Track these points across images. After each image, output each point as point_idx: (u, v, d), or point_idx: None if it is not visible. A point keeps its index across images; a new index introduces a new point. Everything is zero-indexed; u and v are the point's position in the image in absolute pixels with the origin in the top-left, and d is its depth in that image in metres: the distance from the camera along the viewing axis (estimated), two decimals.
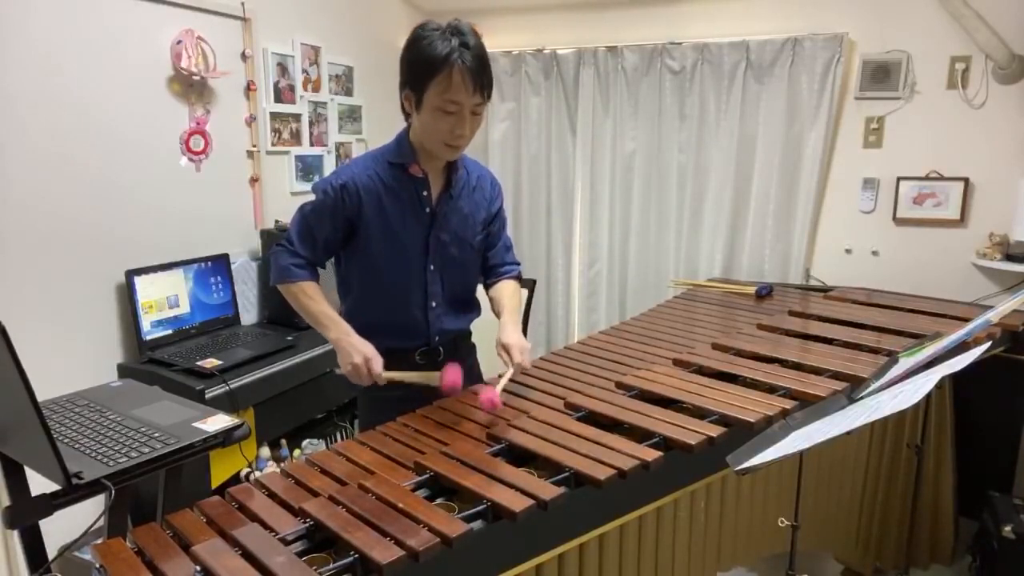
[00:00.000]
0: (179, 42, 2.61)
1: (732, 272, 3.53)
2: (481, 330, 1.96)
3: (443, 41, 1.53)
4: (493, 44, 3.94)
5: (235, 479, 2.55)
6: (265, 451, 2.80)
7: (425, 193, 1.71)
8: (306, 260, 1.71)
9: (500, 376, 1.67)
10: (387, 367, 1.65)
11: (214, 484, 2.42)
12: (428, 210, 1.72)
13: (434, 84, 1.54)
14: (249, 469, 2.65)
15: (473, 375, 1.92)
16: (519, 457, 1.41)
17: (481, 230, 1.83)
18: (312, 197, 1.72)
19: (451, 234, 1.76)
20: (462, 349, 1.91)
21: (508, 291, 1.85)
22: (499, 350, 1.70)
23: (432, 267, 1.75)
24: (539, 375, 1.88)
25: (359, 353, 1.61)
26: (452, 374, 1.65)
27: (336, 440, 3.24)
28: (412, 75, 1.58)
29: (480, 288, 1.93)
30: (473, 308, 1.92)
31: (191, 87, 2.72)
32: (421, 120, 1.61)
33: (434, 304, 1.77)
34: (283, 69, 3.13)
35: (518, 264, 1.95)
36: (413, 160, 1.69)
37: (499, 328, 1.73)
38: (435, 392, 1.69)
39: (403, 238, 1.70)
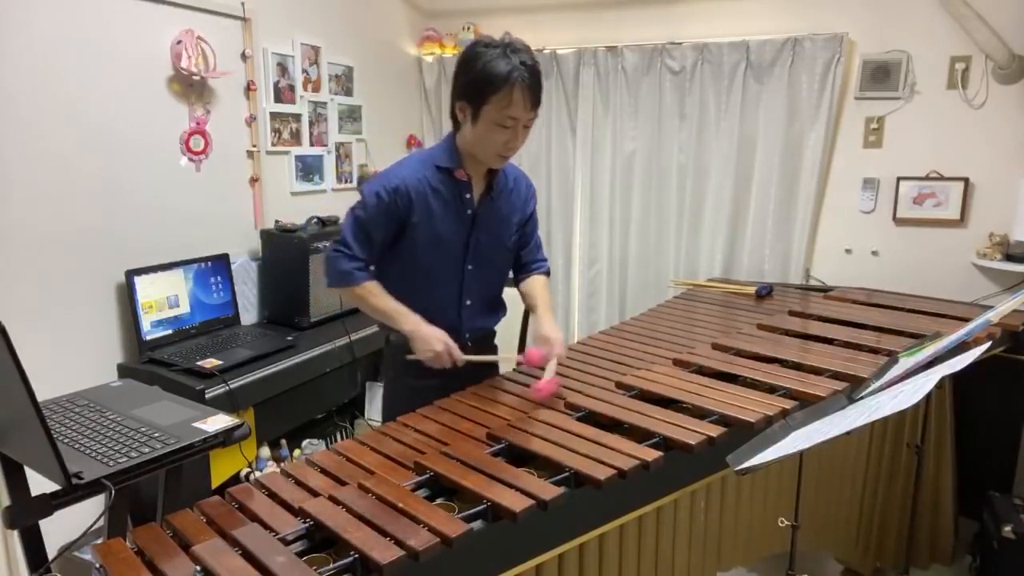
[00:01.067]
0: (179, 42, 2.61)
1: (732, 272, 3.53)
2: (502, 329, 2.03)
3: (504, 60, 1.61)
4: None
5: (235, 479, 2.55)
6: (265, 451, 2.80)
7: (468, 196, 1.79)
8: (365, 262, 1.77)
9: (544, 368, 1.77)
10: None
11: (214, 484, 2.42)
12: (470, 212, 1.80)
13: (494, 100, 1.62)
14: (249, 469, 2.65)
15: (494, 372, 1.99)
16: (519, 457, 1.41)
17: (516, 231, 1.92)
18: (362, 199, 1.77)
19: (489, 235, 1.84)
20: (487, 347, 1.97)
21: (540, 286, 1.95)
22: (539, 342, 1.80)
23: (470, 266, 1.83)
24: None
25: (439, 340, 1.69)
26: (535, 353, 1.75)
27: (336, 440, 3.24)
28: (471, 90, 1.65)
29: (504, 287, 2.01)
30: (501, 308, 2.00)
31: (191, 87, 2.72)
32: (476, 131, 1.68)
33: (468, 302, 1.86)
34: (283, 69, 3.13)
35: (547, 260, 2.04)
36: (459, 165, 1.77)
37: (537, 321, 1.86)
38: (473, 380, 1.81)
39: (446, 238, 1.78)
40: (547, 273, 2.01)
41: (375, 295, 1.75)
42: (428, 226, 1.75)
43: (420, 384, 1.77)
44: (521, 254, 1.98)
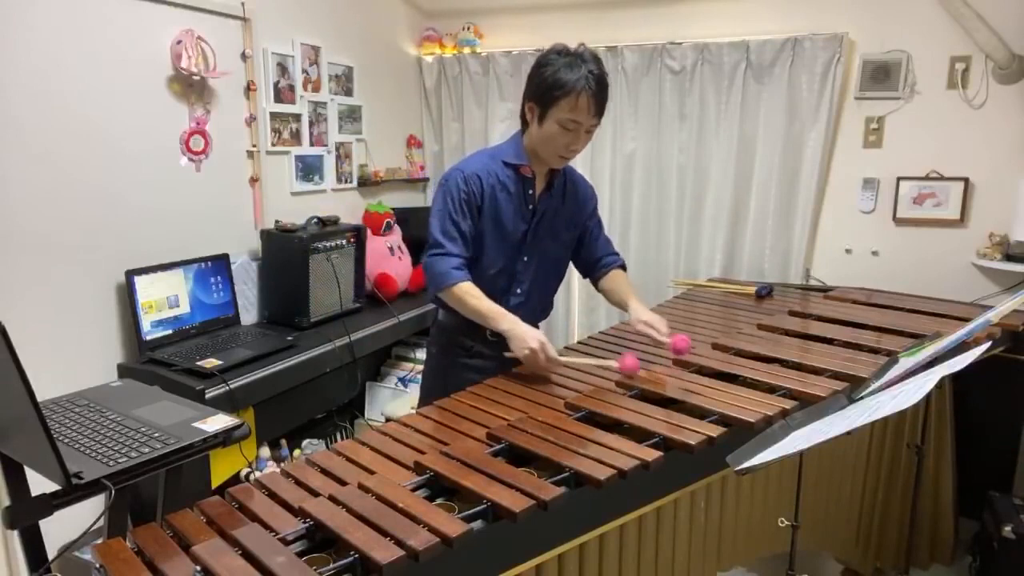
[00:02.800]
0: (179, 42, 2.61)
1: (732, 272, 3.53)
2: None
3: (574, 68, 1.74)
4: (493, 44, 3.94)
5: (235, 479, 2.55)
6: (265, 451, 2.80)
7: (530, 191, 1.92)
8: (460, 257, 1.85)
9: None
10: (465, 337, 1.92)
11: (214, 484, 2.42)
12: (531, 207, 1.93)
13: (561, 104, 1.75)
14: (249, 469, 2.65)
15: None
16: (519, 457, 1.41)
17: (574, 232, 2.05)
18: (441, 194, 1.88)
19: (547, 231, 1.97)
20: None
21: (623, 279, 2.09)
22: (643, 327, 1.91)
23: (526, 258, 1.95)
24: (540, 375, 1.88)
25: (535, 340, 1.76)
26: (631, 360, 1.78)
27: (336, 440, 3.24)
28: (541, 92, 1.78)
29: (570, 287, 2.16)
30: (548, 310, 2.11)
31: (191, 87, 2.72)
32: (542, 132, 1.81)
33: (519, 291, 1.97)
34: (283, 69, 3.13)
35: (620, 256, 2.14)
36: (526, 162, 1.90)
37: (633, 312, 1.97)
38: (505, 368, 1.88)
39: (507, 229, 1.91)
40: (623, 267, 2.13)
41: (472, 296, 1.82)
42: (492, 215, 1.88)
43: (461, 362, 1.95)
44: (592, 250, 2.10)
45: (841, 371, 1.82)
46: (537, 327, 2.09)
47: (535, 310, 2.03)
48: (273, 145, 3.11)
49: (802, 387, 1.69)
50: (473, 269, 1.91)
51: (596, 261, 2.11)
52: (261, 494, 1.29)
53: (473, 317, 1.84)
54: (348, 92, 3.55)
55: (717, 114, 3.45)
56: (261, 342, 2.69)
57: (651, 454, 1.36)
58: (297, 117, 3.23)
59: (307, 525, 1.16)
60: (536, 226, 1.94)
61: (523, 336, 1.76)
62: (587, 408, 1.59)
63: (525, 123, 1.88)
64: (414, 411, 1.69)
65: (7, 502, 1.33)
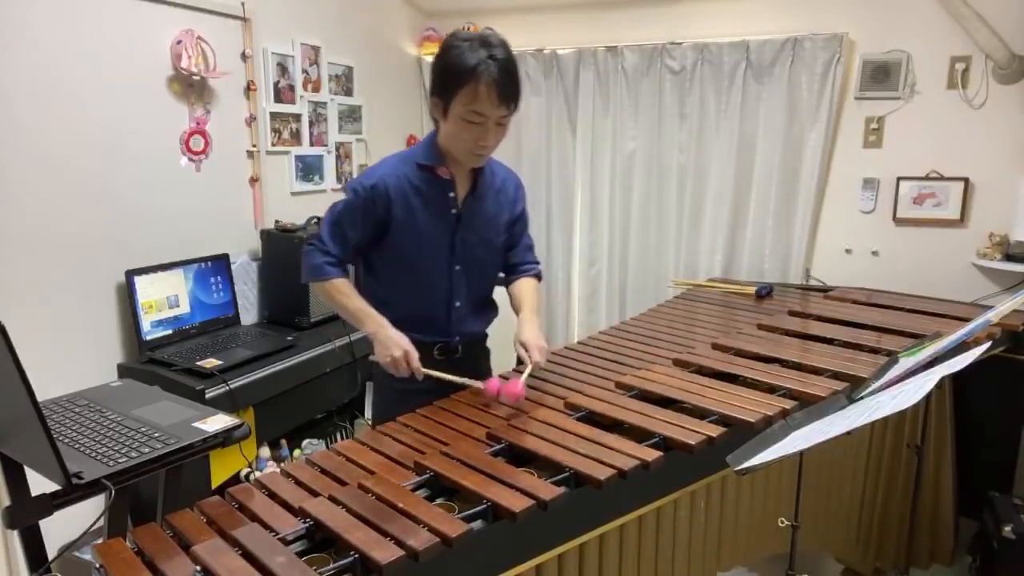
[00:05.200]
0: (179, 42, 2.61)
1: (732, 272, 3.53)
2: (496, 331, 1.98)
3: (472, 52, 1.55)
4: None
5: (235, 479, 2.55)
6: (265, 451, 2.80)
7: (451, 195, 1.75)
8: (337, 258, 1.73)
9: (519, 371, 1.74)
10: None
11: (214, 484, 2.42)
12: (454, 211, 1.76)
13: (461, 95, 1.57)
14: (249, 469, 2.65)
15: (485, 378, 1.92)
16: (519, 457, 1.41)
17: (504, 231, 1.88)
18: (344, 196, 1.75)
19: (476, 235, 1.80)
20: (478, 351, 1.94)
21: (528, 289, 1.90)
22: (517, 347, 1.75)
23: (458, 267, 1.79)
24: (539, 375, 1.88)
25: (398, 347, 1.64)
26: (494, 385, 1.65)
27: (336, 440, 3.24)
28: (440, 84, 1.61)
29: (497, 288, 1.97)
30: (492, 310, 1.96)
31: (191, 87, 2.72)
32: (447, 128, 1.65)
33: (458, 303, 1.82)
34: (283, 69, 3.13)
35: (538, 263, 1.98)
36: (441, 163, 1.73)
37: (518, 325, 1.79)
38: (459, 388, 1.72)
39: (430, 238, 1.74)
40: (538, 276, 1.96)
41: (343, 293, 1.72)
42: (410, 225, 1.72)
43: (403, 387, 1.72)
44: (510, 255, 1.93)
45: (841, 371, 1.82)
46: (487, 334, 1.95)
47: (477, 317, 1.89)
48: (273, 145, 3.11)
49: (802, 387, 1.70)
50: (404, 284, 1.78)
51: (514, 266, 1.95)
52: (261, 494, 1.29)
53: (341, 314, 1.76)
54: (348, 92, 3.55)
55: (717, 114, 3.45)
56: (261, 342, 2.69)
57: (651, 454, 1.36)
58: (297, 117, 3.23)
59: (307, 525, 1.16)
60: (462, 232, 1.77)
61: (387, 343, 1.65)
62: (587, 408, 1.59)
63: (437, 121, 1.70)
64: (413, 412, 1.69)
65: (7, 502, 1.33)
